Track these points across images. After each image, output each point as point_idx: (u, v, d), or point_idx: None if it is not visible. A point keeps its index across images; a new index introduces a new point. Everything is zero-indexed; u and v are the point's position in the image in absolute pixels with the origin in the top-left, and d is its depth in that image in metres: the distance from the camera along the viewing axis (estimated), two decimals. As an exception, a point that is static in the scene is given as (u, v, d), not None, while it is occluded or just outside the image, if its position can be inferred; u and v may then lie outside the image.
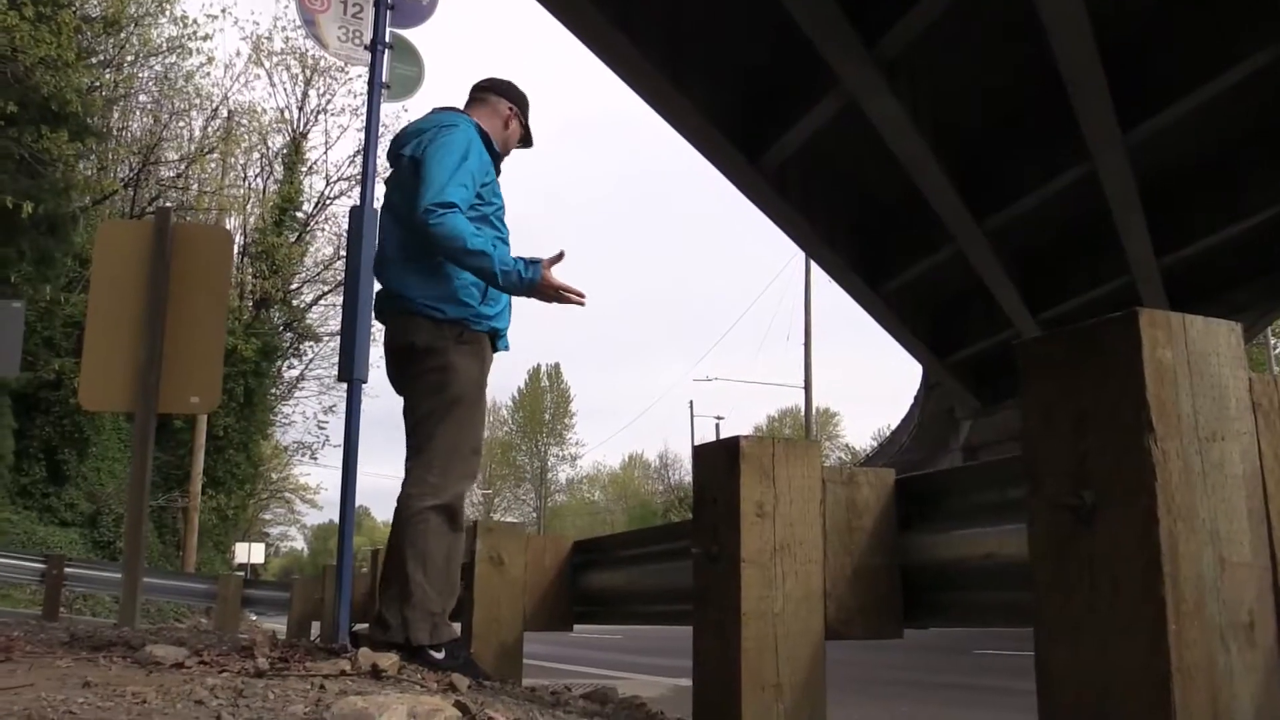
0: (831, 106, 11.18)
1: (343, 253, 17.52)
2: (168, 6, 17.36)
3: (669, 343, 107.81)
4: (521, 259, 3.02)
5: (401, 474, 3.05)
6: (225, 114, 20.85)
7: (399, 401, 3.18)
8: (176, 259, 5.12)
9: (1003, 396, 19.44)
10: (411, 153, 3.14)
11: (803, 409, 33.23)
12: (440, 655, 2.88)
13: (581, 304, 3.07)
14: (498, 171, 3.28)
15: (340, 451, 4.71)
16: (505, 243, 3.18)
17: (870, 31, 9.62)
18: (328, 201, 23.73)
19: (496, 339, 3.22)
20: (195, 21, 16.36)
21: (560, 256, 3.07)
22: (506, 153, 3.42)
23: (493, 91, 3.43)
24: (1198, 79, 10.55)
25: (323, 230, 23.96)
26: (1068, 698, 1.51)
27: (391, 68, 5.08)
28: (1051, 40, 9.37)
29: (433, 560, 2.90)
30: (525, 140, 3.50)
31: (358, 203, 4.86)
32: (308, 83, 23.56)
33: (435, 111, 3.32)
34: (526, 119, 3.45)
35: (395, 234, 3.17)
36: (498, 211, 3.17)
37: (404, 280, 3.10)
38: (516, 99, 3.43)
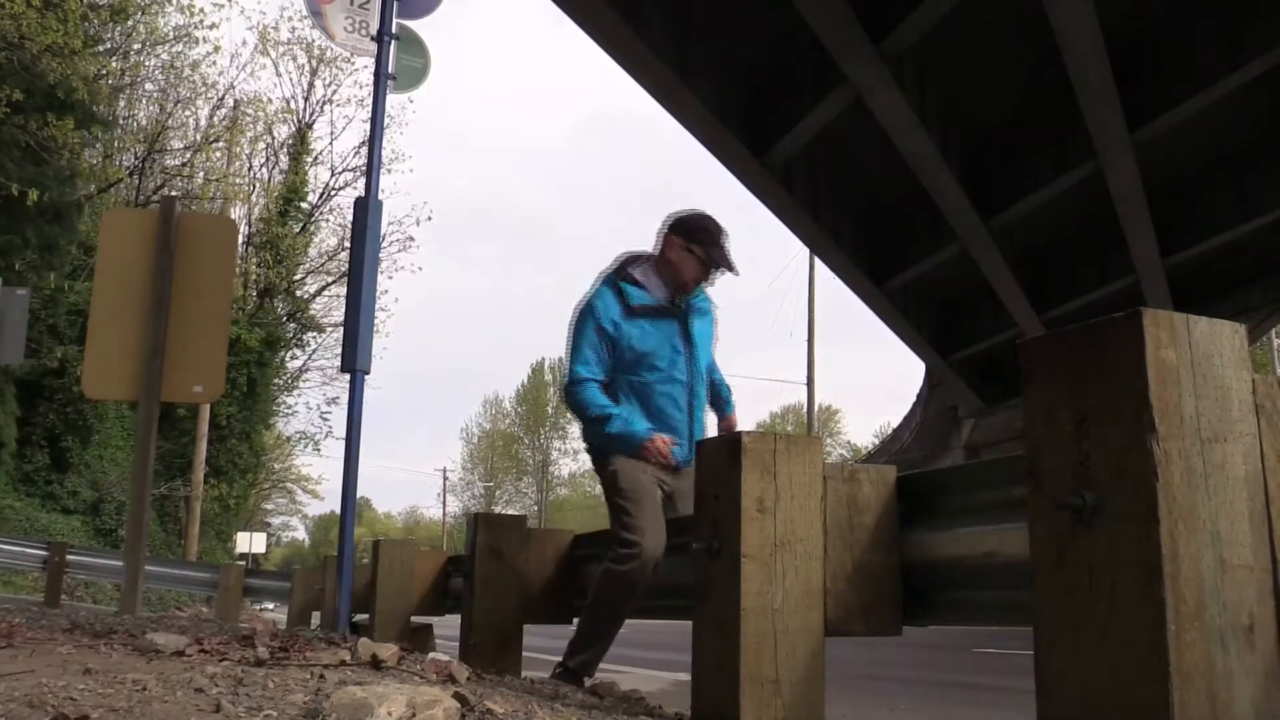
0: (838, 103, 11.16)
1: (347, 244, 17.52)
2: (174, -6, 17.31)
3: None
4: (622, 435, 3.42)
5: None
6: (231, 103, 20.85)
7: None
8: (181, 248, 5.12)
9: (1006, 396, 19.41)
10: None
11: (805, 405, 33.24)
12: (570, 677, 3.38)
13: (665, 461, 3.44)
14: (670, 307, 3.52)
15: (342, 443, 4.72)
16: (652, 375, 3.47)
17: (877, 27, 9.59)
18: (333, 192, 23.75)
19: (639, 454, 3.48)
20: (202, 10, 16.33)
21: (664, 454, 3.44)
22: (682, 283, 3.54)
23: (665, 229, 3.60)
24: (1206, 78, 10.52)
25: (327, 221, 23.99)
26: (1066, 697, 1.51)
27: (397, 59, 5.08)
28: (1060, 38, 9.34)
29: (597, 611, 3.43)
30: (712, 263, 3.54)
31: (362, 194, 4.87)
32: (314, 73, 23.55)
33: None
34: (701, 245, 3.51)
35: None
36: (644, 357, 3.46)
37: None
38: (681, 229, 3.55)
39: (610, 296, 3.49)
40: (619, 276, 3.53)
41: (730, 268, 3.54)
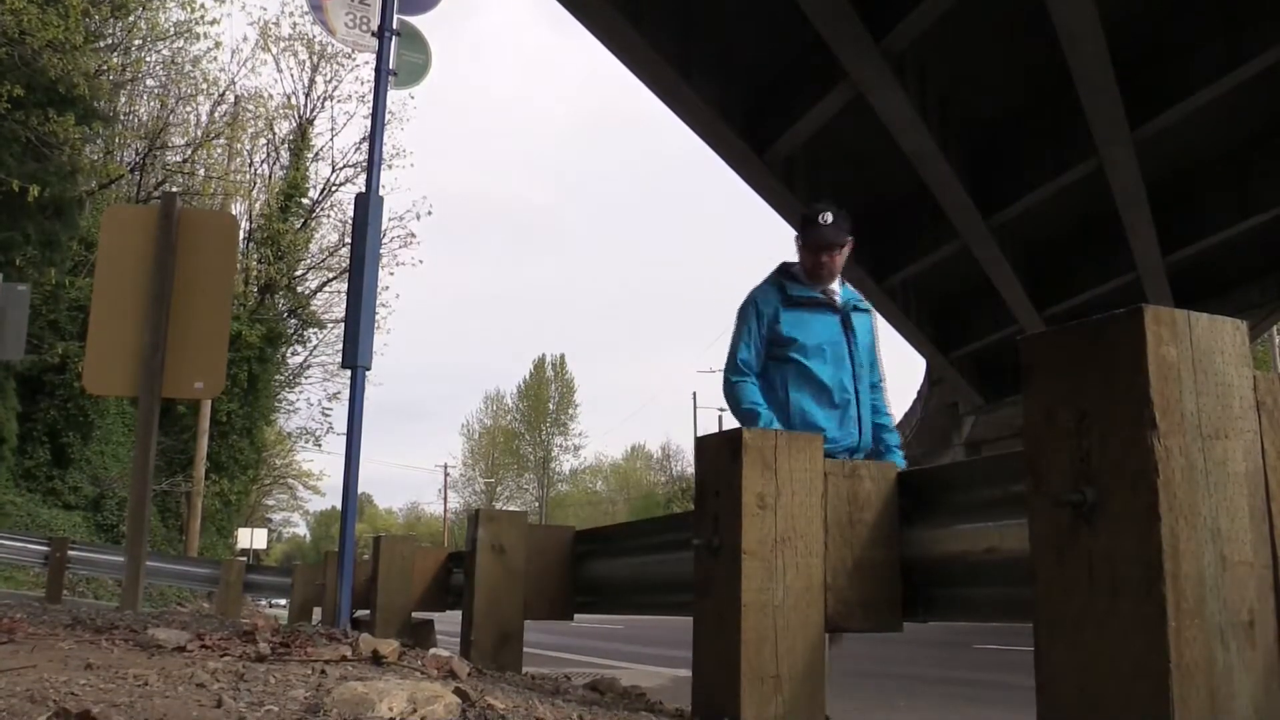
0: (839, 100, 11.15)
1: (348, 240, 17.49)
2: (176, -10, 17.26)
3: (673, 334, 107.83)
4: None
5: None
6: (232, 99, 20.80)
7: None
8: (182, 244, 5.11)
9: (1006, 392, 19.42)
10: None
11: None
12: None
13: None
14: (828, 302, 3.74)
15: (343, 438, 4.71)
16: (813, 360, 3.66)
17: (879, 25, 9.59)
18: (333, 188, 23.71)
19: None
20: (203, 6, 16.28)
21: None
22: (814, 275, 3.79)
23: None
24: (1207, 76, 10.51)
25: (328, 217, 23.94)
26: (1067, 694, 1.51)
27: (399, 55, 5.07)
28: (1061, 36, 9.33)
29: None
30: (811, 247, 3.75)
31: (363, 190, 4.86)
32: (315, 69, 23.50)
33: None
34: (801, 232, 3.80)
35: None
36: (797, 348, 3.68)
37: None
38: (799, 225, 3.88)
39: (771, 290, 3.79)
40: (780, 274, 3.85)
41: (823, 233, 3.73)
